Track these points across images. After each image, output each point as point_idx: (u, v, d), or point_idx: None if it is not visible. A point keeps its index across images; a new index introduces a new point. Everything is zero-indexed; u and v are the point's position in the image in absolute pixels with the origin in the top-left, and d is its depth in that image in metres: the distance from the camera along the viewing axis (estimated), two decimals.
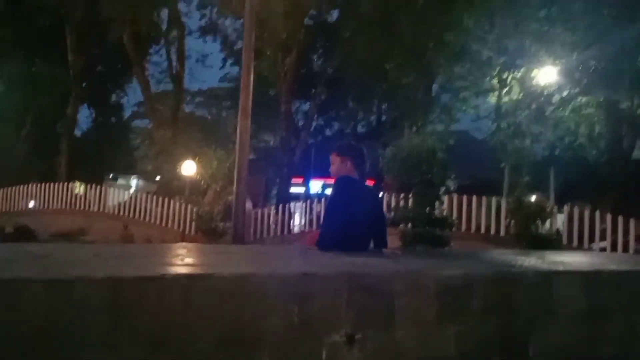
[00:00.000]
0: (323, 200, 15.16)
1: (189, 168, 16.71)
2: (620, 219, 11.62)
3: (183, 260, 2.21)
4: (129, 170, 33.54)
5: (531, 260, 2.99)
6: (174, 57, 25.00)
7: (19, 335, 1.55)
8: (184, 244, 3.94)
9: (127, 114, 32.17)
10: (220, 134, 27.75)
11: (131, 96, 29.88)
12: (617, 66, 15.78)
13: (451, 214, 12.30)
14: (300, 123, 26.30)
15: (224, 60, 27.76)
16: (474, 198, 13.14)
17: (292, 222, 16.48)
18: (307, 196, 20.84)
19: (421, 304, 2.20)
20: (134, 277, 1.73)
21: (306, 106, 27.09)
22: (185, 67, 25.36)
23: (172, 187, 19.22)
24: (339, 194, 3.11)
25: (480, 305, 2.32)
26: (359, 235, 3.01)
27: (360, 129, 28.66)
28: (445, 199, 12.35)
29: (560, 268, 2.72)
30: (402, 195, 11.32)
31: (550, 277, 2.53)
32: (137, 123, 33.26)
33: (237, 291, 1.86)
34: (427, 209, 10.54)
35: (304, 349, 1.95)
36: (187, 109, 29.83)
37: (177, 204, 16.35)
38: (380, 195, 3.25)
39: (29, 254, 2.23)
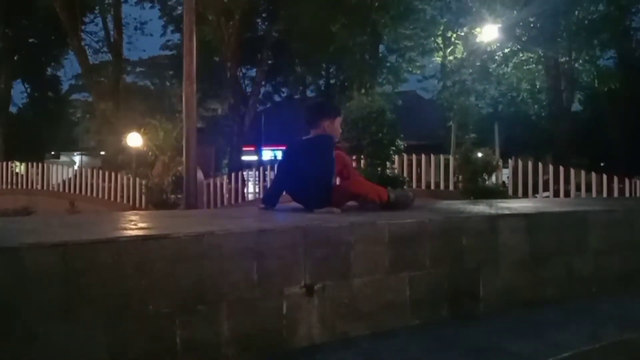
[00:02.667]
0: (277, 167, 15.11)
1: (134, 140, 16.24)
2: (561, 170, 12.18)
3: (137, 225, 2.18)
4: (71, 146, 32.22)
5: (479, 207, 3.11)
6: (110, 26, 23.90)
7: None
8: (136, 211, 3.85)
9: (65, 87, 30.74)
10: (165, 104, 26.97)
11: (68, 68, 28.52)
12: (554, 22, 16.25)
13: (402, 173, 12.58)
14: (248, 90, 25.87)
15: (164, 27, 26.84)
16: (423, 156, 13.44)
17: (245, 190, 16.40)
18: (259, 164, 20.71)
19: (376, 252, 2.27)
20: (87, 241, 1.69)
21: (253, 72, 26.61)
22: (124, 36, 24.35)
23: (118, 161, 18.66)
24: None
25: (431, 251, 2.42)
26: (293, 193, 3.03)
27: (309, 93, 28.48)
28: (396, 158, 12.59)
29: (506, 212, 2.85)
30: (354, 156, 11.44)
31: (496, 220, 2.64)
32: (77, 97, 31.86)
33: (194, 251, 1.86)
34: (379, 168, 10.75)
35: (265, 303, 1.99)
36: (129, 79, 28.78)
37: (125, 177, 15.94)
38: (309, 150, 3.01)
39: None
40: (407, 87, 22.83)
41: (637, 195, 12.01)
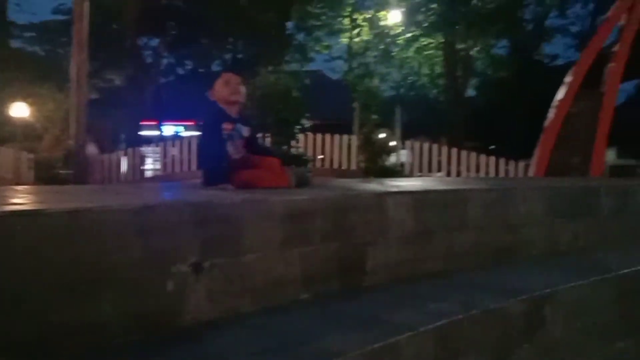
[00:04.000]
0: (178, 142, 14.68)
1: (20, 111, 14.98)
2: (454, 151, 12.93)
3: (8, 201, 2.02)
4: None
5: (370, 185, 3.22)
6: None
7: None
8: (16, 187, 3.52)
9: None
10: (57, 73, 25.02)
11: None
12: (453, 9, 17.03)
13: (306, 151, 12.70)
14: (150, 61, 24.70)
15: None
16: (328, 136, 13.64)
17: (144, 166, 15.75)
18: (160, 139, 19.93)
19: (268, 229, 2.28)
20: None
21: (156, 43, 25.41)
22: None
23: (2, 133, 17.14)
24: None
25: (322, 227, 2.47)
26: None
27: (215, 67, 27.72)
28: (301, 137, 12.69)
29: (394, 189, 2.98)
30: (259, 134, 11.37)
31: (384, 197, 2.76)
32: None
33: (71, 228, 1.76)
34: (284, 147, 10.78)
35: (149, 283, 1.93)
36: (16, 44, 26.30)
37: (9, 151, 14.71)
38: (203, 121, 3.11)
39: None
40: (315, 66, 22.96)
41: (521, 176, 13.04)
